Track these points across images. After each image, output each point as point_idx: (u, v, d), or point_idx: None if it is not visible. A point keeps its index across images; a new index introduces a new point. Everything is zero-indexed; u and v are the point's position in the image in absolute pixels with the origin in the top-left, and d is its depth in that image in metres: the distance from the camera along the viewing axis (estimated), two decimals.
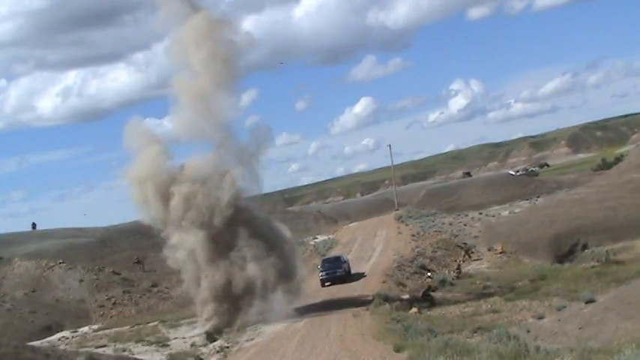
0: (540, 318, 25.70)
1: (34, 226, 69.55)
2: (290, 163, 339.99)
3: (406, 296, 32.79)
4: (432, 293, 33.01)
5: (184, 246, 29.72)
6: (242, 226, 30.31)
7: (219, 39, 31.55)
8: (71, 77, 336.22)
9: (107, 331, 30.24)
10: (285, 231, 33.80)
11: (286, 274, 30.11)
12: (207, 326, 28.04)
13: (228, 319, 28.33)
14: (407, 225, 59.86)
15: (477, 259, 44.94)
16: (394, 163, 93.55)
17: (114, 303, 41.52)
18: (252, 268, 28.80)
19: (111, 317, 39.56)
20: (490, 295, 33.22)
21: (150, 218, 31.50)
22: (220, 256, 29.39)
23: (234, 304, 28.89)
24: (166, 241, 30.58)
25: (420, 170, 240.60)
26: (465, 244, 48.43)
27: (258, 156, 32.34)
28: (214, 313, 28.73)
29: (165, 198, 30.21)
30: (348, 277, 37.54)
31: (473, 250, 46.68)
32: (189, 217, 29.73)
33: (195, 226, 29.62)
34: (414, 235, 52.67)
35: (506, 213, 60.43)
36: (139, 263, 46.72)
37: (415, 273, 39.68)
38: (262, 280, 28.66)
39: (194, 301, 30.93)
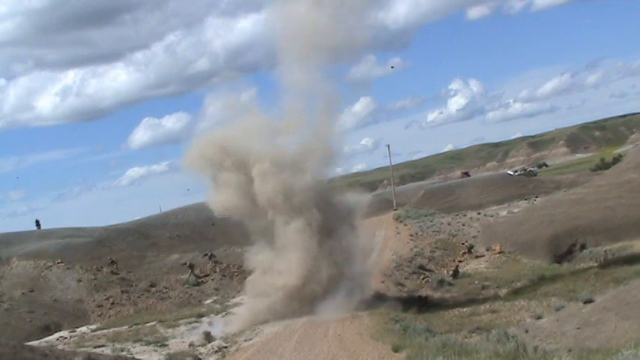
0: (539, 318, 25.71)
1: (37, 223, 68.85)
2: None
3: (404, 296, 32.81)
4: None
5: (283, 232, 27.52)
6: (334, 211, 28.67)
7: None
8: (70, 77, 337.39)
9: (105, 331, 30.18)
10: (362, 201, 31.86)
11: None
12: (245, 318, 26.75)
13: (292, 311, 26.74)
14: (405, 225, 59.83)
15: (480, 256, 45.04)
16: (393, 163, 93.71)
17: (112, 303, 41.45)
18: (345, 259, 27.35)
19: (109, 317, 39.48)
20: (488, 294, 33.26)
21: (229, 205, 28.43)
22: (319, 244, 27.42)
23: (307, 296, 27.08)
24: (250, 229, 28.33)
25: (418, 170, 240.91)
26: (466, 241, 48.56)
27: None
28: (284, 304, 26.96)
29: (262, 178, 27.54)
30: None
31: (471, 250, 46.78)
32: (294, 201, 27.43)
33: (296, 211, 27.50)
34: (412, 235, 52.66)
35: (504, 213, 60.39)
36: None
37: (414, 273, 39.73)
38: (350, 273, 27.29)
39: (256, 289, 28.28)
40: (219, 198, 29.01)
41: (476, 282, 36.91)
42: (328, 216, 28.33)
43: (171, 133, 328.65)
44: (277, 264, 28.07)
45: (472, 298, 32.78)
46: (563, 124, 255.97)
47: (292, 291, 27.35)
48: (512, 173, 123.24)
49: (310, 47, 29.01)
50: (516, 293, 32.46)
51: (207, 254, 46.80)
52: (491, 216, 59.43)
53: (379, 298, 29.26)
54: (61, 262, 45.88)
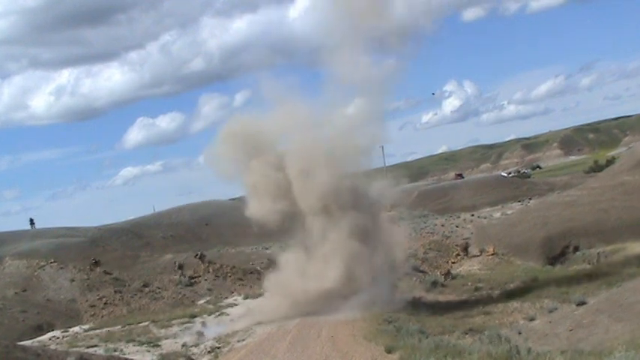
0: (531, 320, 25.76)
1: (31, 221, 68.38)
2: None
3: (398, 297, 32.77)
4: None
5: (323, 234, 26.15)
6: (371, 208, 27.56)
7: None
8: (64, 76, 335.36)
9: (98, 331, 30.11)
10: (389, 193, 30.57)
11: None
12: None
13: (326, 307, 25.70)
14: (399, 226, 59.79)
15: (476, 256, 45.10)
16: (387, 164, 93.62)
17: (105, 303, 41.31)
18: (385, 258, 26.63)
19: (102, 317, 39.35)
20: (481, 296, 33.29)
21: (265, 210, 26.31)
22: (361, 245, 26.40)
23: (340, 296, 26.16)
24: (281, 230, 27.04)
25: (412, 171, 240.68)
26: (463, 239, 48.62)
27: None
28: (310, 304, 25.83)
29: (303, 178, 25.78)
30: None
31: (467, 249, 46.88)
32: (337, 202, 25.91)
33: (340, 212, 26.09)
34: (405, 237, 52.63)
35: (498, 215, 60.50)
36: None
37: (407, 274, 39.69)
38: (385, 271, 26.60)
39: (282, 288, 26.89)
40: (256, 204, 27.17)
41: (469, 283, 36.94)
42: (367, 214, 27.25)
43: (166, 133, 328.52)
44: (312, 266, 26.81)
45: (465, 300, 32.83)
46: (557, 126, 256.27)
47: (326, 293, 26.45)
48: (505, 175, 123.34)
49: (358, 34, 27.62)
50: (509, 295, 32.48)
51: (197, 255, 46.65)
52: (485, 218, 59.53)
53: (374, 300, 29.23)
54: (54, 261, 45.75)
